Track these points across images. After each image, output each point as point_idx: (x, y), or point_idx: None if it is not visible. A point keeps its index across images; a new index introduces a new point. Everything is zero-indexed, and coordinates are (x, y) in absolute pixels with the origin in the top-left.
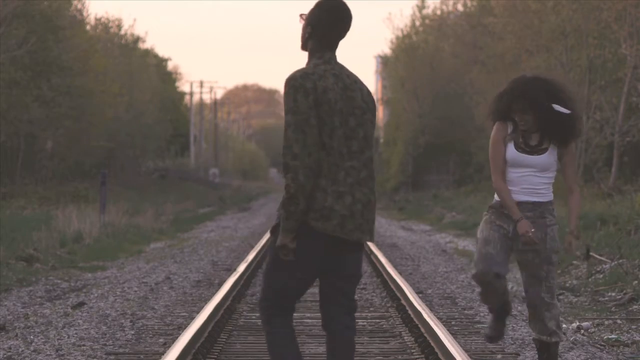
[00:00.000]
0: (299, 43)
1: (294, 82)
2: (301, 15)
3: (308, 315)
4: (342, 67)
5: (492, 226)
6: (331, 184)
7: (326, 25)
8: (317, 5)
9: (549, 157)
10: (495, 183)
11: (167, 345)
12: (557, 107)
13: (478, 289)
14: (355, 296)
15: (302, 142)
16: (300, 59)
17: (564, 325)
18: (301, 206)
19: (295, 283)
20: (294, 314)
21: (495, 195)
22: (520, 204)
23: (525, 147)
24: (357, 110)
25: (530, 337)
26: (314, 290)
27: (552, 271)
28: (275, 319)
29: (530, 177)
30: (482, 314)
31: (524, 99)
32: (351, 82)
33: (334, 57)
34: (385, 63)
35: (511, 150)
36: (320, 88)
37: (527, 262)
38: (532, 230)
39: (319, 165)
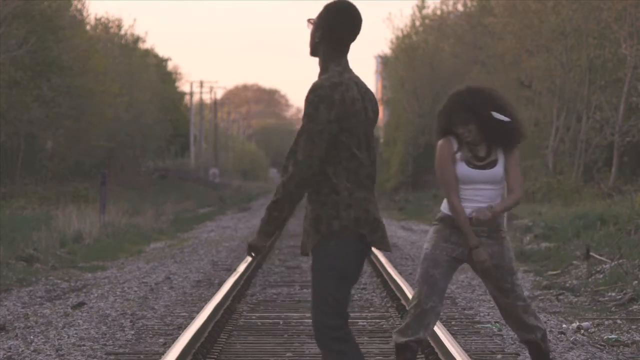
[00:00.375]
0: (299, 43)
1: (322, 91)
2: (309, 20)
3: (307, 315)
4: (355, 75)
5: (444, 246)
6: (372, 195)
7: (338, 29)
8: (326, 9)
9: (499, 168)
10: (453, 205)
11: (167, 345)
12: (496, 114)
13: (406, 317)
14: (356, 296)
15: (308, 152)
16: (300, 58)
17: (563, 325)
18: (285, 214)
19: (348, 295)
20: (294, 314)
21: (443, 206)
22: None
23: (477, 162)
24: (369, 120)
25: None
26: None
27: (517, 279)
28: (346, 337)
29: (486, 192)
30: (482, 314)
31: (464, 109)
32: (365, 91)
33: (348, 62)
34: (385, 63)
35: (463, 168)
36: (349, 99)
37: (490, 276)
38: (487, 258)
39: (357, 178)
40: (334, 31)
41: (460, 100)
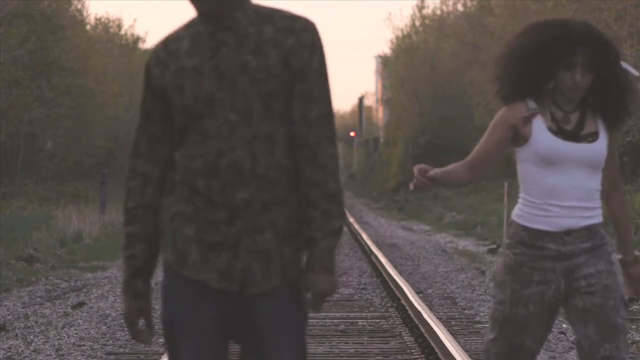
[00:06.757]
0: None
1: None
2: None
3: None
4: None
5: (527, 295)
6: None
7: None
8: None
9: (601, 145)
10: (468, 176)
11: None
12: (625, 65)
13: None
14: (356, 296)
15: None
16: None
17: (563, 325)
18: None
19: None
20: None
21: (516, 215)
22: (570, 232)
23: (567, 131)
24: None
25: None
26: None
27: (627, 316)
28: None
29: (586, 182)
30: (482, 314)
31: (587, 47)
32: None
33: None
34: (385, 63)
35: (545, 136)
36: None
37: (597, 308)
38: None
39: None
40: None
41: (584, 32)
